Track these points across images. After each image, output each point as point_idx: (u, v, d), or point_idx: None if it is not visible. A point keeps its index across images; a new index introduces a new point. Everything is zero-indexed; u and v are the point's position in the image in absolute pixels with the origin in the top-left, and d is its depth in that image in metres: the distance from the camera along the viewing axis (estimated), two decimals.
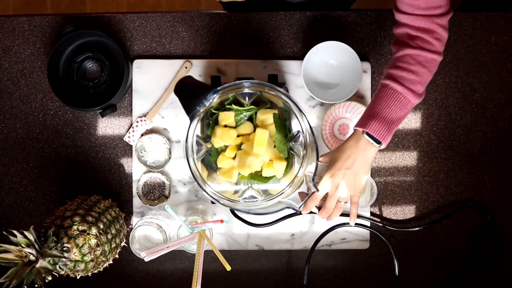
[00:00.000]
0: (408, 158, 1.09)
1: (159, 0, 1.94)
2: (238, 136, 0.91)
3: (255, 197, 0.91)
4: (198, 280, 0.86)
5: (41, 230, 0.86)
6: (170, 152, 1.05)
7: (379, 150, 0.94)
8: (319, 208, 0.92)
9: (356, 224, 1.06)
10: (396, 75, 0.86)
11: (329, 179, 0.88)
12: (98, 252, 0.89)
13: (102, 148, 1.08)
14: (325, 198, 0.91)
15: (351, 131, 1.07)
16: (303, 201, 0.89)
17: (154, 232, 1.02)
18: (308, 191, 0.89)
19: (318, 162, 0.87)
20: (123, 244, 0.99)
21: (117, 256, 0.98)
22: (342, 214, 1.07)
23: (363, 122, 0.88)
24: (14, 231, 0.80)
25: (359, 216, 1.08)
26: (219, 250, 0.90)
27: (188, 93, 0.85)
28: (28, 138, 1.08)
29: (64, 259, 0.84)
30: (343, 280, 1.10)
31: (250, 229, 1.08)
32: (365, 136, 0.87)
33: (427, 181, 1.10)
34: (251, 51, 1.09)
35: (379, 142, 0.87)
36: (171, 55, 1.08)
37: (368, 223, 1.08)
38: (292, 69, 1.07)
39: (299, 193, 0.91)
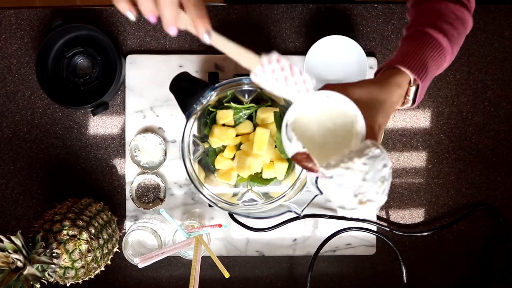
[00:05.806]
0: (416, 159, 1.09)
1: None
2: (237, 135, 0.91)
3: (255, 200, 0.91)
4: None
5: (29, 235, 0.86)
6: (165, 153, 1.05)
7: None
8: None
9: (362, 228, 1.06)
10: (439, 25, 0.68)
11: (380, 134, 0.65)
12: (89, 258, 0.89)
13: (93, 148, 1.08)
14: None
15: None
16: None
17: (148, 237, 1.02)
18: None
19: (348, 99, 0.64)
20: (115, 249, 0.99)
21: (109, 262, 0.98)
22: (345, 217, 1.07)
23: (420, 72, 0.65)
24: (1, 236, 0.80)
25: (365, 221, 1.08)
26: (217, 256, 0.90)
27: (184, 90, 0.85)
28: (15, 138, 1.08)
29: (53, 266, 0.84)
30: None
31: (250, 234, 1.08)
32: (412, 90, 0.67)
33: (437, 183, 1.10)
34: (250, 46, 1.07)
35: (413, 102, 0.70)
36: (166, 50, 1.08)
37: (374, 228, 1.08)
38: None
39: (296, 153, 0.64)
